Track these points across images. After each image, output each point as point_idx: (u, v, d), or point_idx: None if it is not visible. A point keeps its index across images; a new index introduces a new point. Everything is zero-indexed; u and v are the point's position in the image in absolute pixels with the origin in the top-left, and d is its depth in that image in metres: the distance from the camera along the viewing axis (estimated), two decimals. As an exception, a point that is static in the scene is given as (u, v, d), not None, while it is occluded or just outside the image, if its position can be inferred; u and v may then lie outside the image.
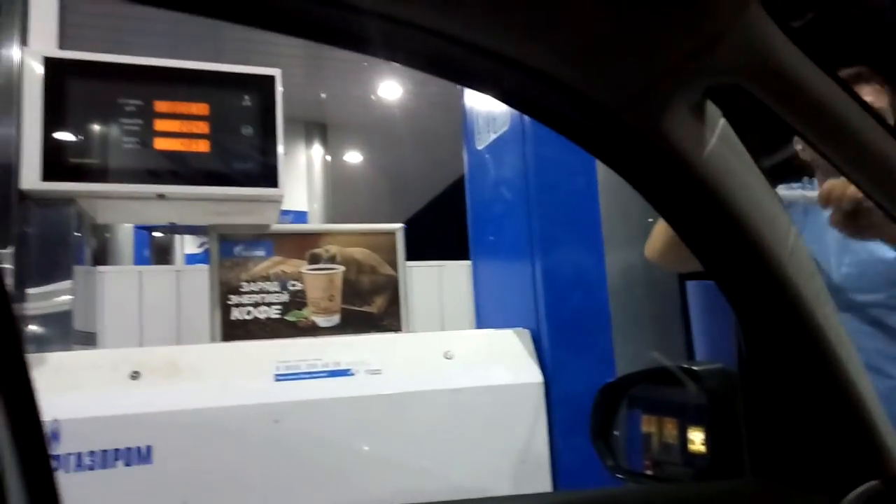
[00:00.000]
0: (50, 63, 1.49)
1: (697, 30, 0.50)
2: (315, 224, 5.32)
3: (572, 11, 0.49)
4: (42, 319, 1.52)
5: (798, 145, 1.53)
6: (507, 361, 1.75)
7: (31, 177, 1.47)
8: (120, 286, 3.05)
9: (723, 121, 0.60)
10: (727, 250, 0.62)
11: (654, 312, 1.95)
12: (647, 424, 1.01)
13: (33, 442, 0.49)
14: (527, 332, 1.82)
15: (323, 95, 5.64)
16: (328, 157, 6.62)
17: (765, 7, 0.51)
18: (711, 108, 0.59)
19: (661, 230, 1.60)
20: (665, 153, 0.57)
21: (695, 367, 0.85)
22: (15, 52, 1.50)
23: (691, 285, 2.06)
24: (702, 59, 0.52)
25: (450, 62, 0.56)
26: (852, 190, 1.07)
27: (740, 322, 0.68)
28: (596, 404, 1.00)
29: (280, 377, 1.58)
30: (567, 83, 0.57)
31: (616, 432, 1.02)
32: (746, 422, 0.71)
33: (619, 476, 0.92)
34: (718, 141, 0.59)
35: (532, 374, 1.74)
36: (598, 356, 1.76)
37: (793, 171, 1.53)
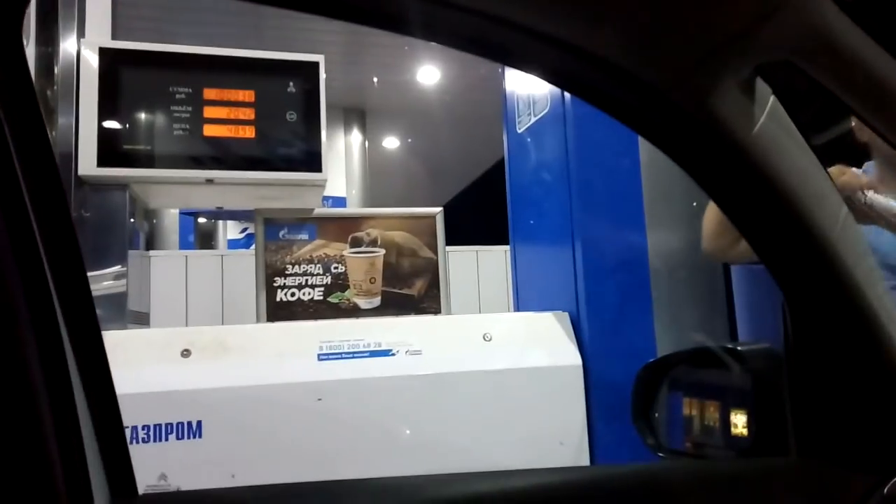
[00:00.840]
0: (104, 53, 1.55)
1: (749, 6, 0.50)
2: (356, 208, 5.38)
3: None
4: (99, 300, 1.60)
5: (854, 124, 1.48)
6: (545, 344, 1.76)
7: (87, 163, 1.53)
8: (167, 269, 3.16)
9: (773, 98, 0.59)
10: (776, 229, 0.62)
11: (696, 295, 1.92)
12: (689, 407, 1.00)
13: (109, 413, 0.52)
14: (566, 315, 1.82)
15: (375, 80, 5.68)
16: (366, 143, 6.67)
17: (818, -20, 0.50)
18: (761, 86, 0.58)
19: (710, 218, 1.57)
20: (713, 131, 0.57)
21: (739, 348, 0.85)
22: (73, 45, 1.56)
23: (735, 268, 2.02)
24: (753, 36, 0.52)
25: (493, 43, 0.56)
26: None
27: (787, 301, 0.67)
28: (637, 383, 0.99)
29: (323, 357, 1.62)
30: (614, 62, 0.57)
31: (656, 414, 1.02)
32: (792, 402, 0.70)
33: (661, 454, 0.92)
34: (768, 119, 0.58)
35: (571, 356, 1.74)
36: (638, 339, 1.75)
37: (848, 152, 1.48)
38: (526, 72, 0.65)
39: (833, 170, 1.13)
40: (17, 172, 0.45)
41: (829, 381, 0.67)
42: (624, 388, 1.02)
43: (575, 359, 1.73)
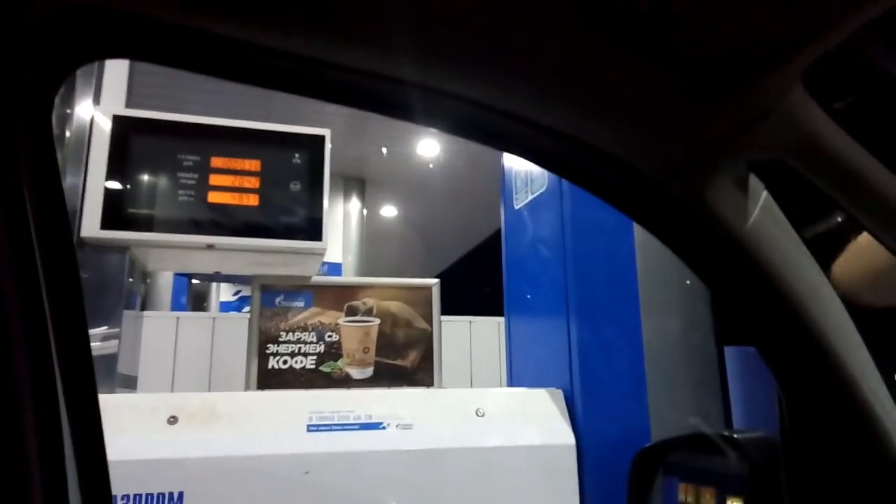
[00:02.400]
0: (117, 120, 1.59)
1: (742, 108, 0.53)
2: (353, 276, 5.39)
3: (619, 87, 0.53)
4: (89, 361, 1.58)
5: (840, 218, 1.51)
6: (539, 422, 1.73)
7: (90, 225, 1.55)
8: (158, 331, 3.13)
9: (766, 193, 0.62)
10: (770, 320, 0.63)
11: (691, 377, 1.91)
12: (685, 493, 0.99)
13: (99, 483, 0.51)
14: (560, 393, 1.80)
15: (384, 150, 5.82)
16: (364, 211, 6.76)
17: (808, 88, 0.53)
18: (754, 181, 0.61)
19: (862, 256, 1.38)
20: (708, 223, 0.59)
21: (735, 435, 0.85)
22: (88, 110, 1.61)
23: (729, 351, 2.02)
24: (746, 135, 0.55)
25: (492, 130, 0.59)
26: None
27: (783, 391, 0.68)
28: (632, 470, 0.98)
29: (312, 428, 1.58)
30: (612, 153, 0.60)
31: (652, 500, 1.00)
32: (790, 492, 0.70)
33: (658, 545, 0.90)
34: (761, 212, 0.60)
35: (564, 435, 1.71)
36: (632, 420, 1.73)
37: (837, 243, 1.50)
38: (525, 158, 0.67)
39: None
40: (31, 235, 0.46)
41: (825, 472, 0.67)
42: (618, 470, 1.00)
43: (569, 438, 1.70)
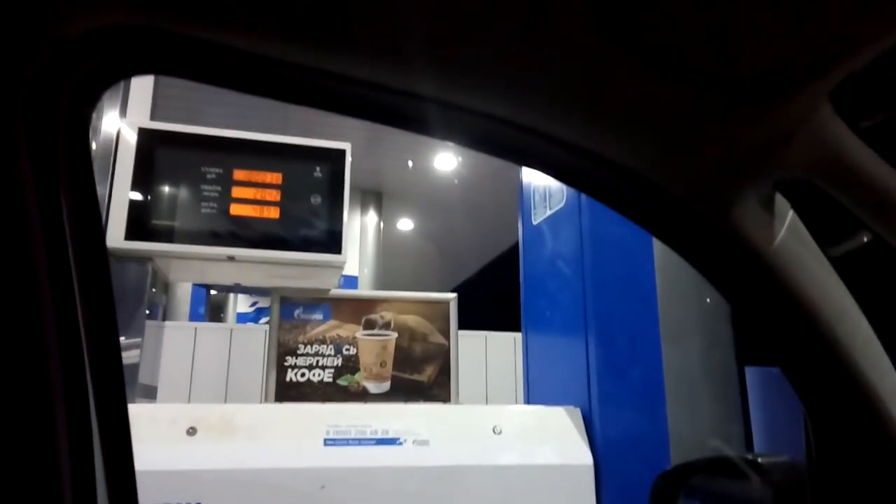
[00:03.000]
0: (143, 133, 1.63)
1: (769, 127, 0.53)
2: (372, 290, 5.41)
3: (643, 103, 0.53)
4: (111, 371, 1.59)
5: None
6: (556, 440, 1.72)
7: (115, 236, 1.57)
8: (176, 341, 3.16)
9: (792, 213, 0.61)
10: (796, 341, 0.62)
11: (711, 396, 1.89)
12: (707, 517, 0.97)
13: (127, 491, 0.52)
14: (577, 411, 1.79)
15: (410, 163, 5.86)
16: (381, 224, 6.79)
17: (835, 108, 0.53)
18: (780, 201, 0.60)
19: None
20: (733, 243, 0.59)
21: (759, 459, 0.83)
22: (114, 123, 1.64)
23: (750, 371, 1.99)
24: (772, 155, 0.54)
25: (512, 145, 0.59)
26: None
27: (809, 415, 0.67)
28: (653, 494, 0.97)
29: (329, 442, 1.59)
30: (634, 170, 0.59)
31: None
32: (817, 520, 0.68)
33: (679, 570, 0.88)
34: (787, 232, 0.60)
35: (582, 455, 1.69)
36: (651, 440, 1.71)
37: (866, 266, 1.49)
38: (544, 172, 0.67)
39: None
40: (68, 246, 0.47)
41: (852, 499, 0.65)
42: (637, 491, 0.99)
43: (586, 458, 1.68)
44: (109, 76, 0.46)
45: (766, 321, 0.63)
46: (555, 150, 0.58)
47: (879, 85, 0.59)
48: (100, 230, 0.51)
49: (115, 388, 0.52)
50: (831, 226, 0.69)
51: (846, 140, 0.54)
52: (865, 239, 1.48)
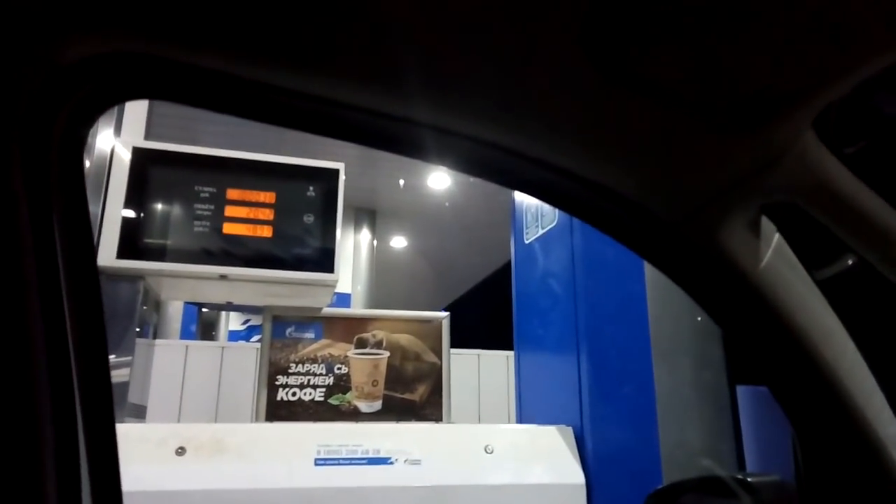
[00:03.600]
0: (137, 152, 1.63)
1: (755, 153, 0.54)
2: (364, 309, 5.40)
3: (632, 128, 0.54)
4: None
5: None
6: (548, 459, 1.71)
7: (106, 255, 1.57)
8: (167, 359, 3.14)
9: (778, 235, 0.62)
10: (784, 362, 0.63)
11: (702, 415, 1.89)
12: (698, 537, 0.97)
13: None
14: (569, 430, 1.78)
15: (401, 182, 5.88)
16: (375, 242, 6.80)
17: (819, 135, 0.54)
18: (767, 224, 0.61)
19: None
20: (720, 265, 0.59)
21: (749, 479, 0.83)
22: (108, 141, 1.65)
23: (742, 390, 2.00)
24: (758, 180, 0.55)
25: (502, 169, 0.60)
26: None
27: (798, 434, 0.67)
28: (645, 512, 0.96)
29: (320, 462, 1.57)
30: (623, 193, 0.60)
31: (665, 544, 0.98)
32: (807, 540, 0.68)
33: (671, 591, 0.88)
34: (774, 255, 0.61)
35: (574, 474, 1.69)
36: (643, 459, 1.70)
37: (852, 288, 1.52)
38: (534, 196, 0.68)
39: None
40: (59, 266, 0.48)
41: (843, 520, 0.65)
42: (629, 512, 0.99)
43: (578, 477, 1.68)
44: (104, 101, 0.46)
45: (754, 342, 0.64)
46: (544, 174, 0.59)
47: (861, 112, 0.60)
48: (91, 250, 0.51)
49: (104, 408, 0.52)
50: (818, 249, 0.70)
51: (829, 165, 0.55)
52: (850, 262, 1.50)
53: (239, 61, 0.46)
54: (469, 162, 0.60)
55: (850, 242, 0.60)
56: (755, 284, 0.60)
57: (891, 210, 0.57)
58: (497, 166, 0.60)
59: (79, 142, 0.48)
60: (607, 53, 0.46)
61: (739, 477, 0.84)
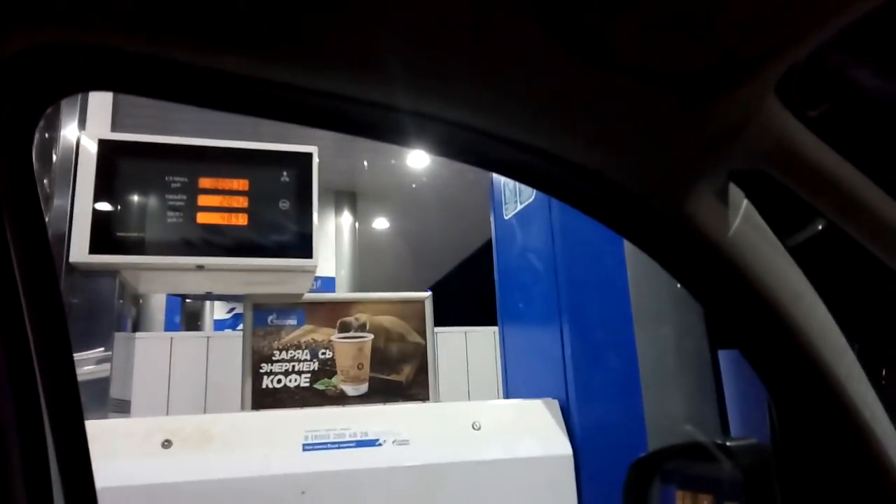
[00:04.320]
0: (103, 144, 1.59)
1: (718, 121, 0.54)
2: (345, 293, 5.39)
3: (595, 102, 0.53)
4: (81, 386, 1.56)
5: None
6: (535, 433, 1.73)
7: (79, 250, 1.54)
8: (151, 352, 3.11)
9: (746, 202, 0.63)
10: (756, 327, 0.63)
11: (686, 382, 1.92)
12: (682, 500, 0.99)
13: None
14: (555, 403, 1.80)
15: (365, 163, 5.84)
16: (356, 224, 6.77)
17: (782, 99, 0.54)
18: (735, 191, 0.61)
19: None
20: (691, 235, 0.60)
21: (728, 443, 0.85)
22: (74, 134, 1.61)
23: (724, 354, 2.03)
24: (723, 147, 0.55)
25: (471, 149, 0.59)
26: None
27: (772, 397, 0.68)
28: (628, 479, 0.98)
29: (308, 447, 1.58)
30: (593, 169, 0.60)
31: (650, 508, 1.00)
32: (782, 497, 0.70)
33: (656, 553, 0.90)
34: (742, 222, 0.61)
35: (561, 446, 1.71)
36: (628, 428, 1.73)
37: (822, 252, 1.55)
38: (504, 175, 0.68)
39: None
40: (13, 266, 0.47)
41: (815, 477, 0.67)
42: (616, 479, 1.00)
43: (566, 449, 1.70)
44: (48, 95, 0.45)
45: (726, 309, 0.64)
46: (511, 152, 0.58)
47: (822, 75, 0.60)
48: (47, 247, 0.50)
49: (71, 405, 0.51)
50: (788, 214, 0.71)
51: (794, 130, 0.55)
52: (820, 226, 1.53)
53: (192, 49, 0.45)
54: (438, 143, 0.59)
55: (816, 205, 0.60)
56: (725, 251, 0.60)
57: (855, 171, 0.57)
58: (464, 146, 0.59)
59: (25, 138, 0.46)
60: (566, 27, 0.45)
61: (718, 442, 0.86)
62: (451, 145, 0.58)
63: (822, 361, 0.63)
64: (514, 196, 2.14)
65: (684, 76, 0.50)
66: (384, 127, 0.55)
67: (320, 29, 0.44)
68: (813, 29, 0.47)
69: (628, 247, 1.83)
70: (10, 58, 0.40)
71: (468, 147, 0.58)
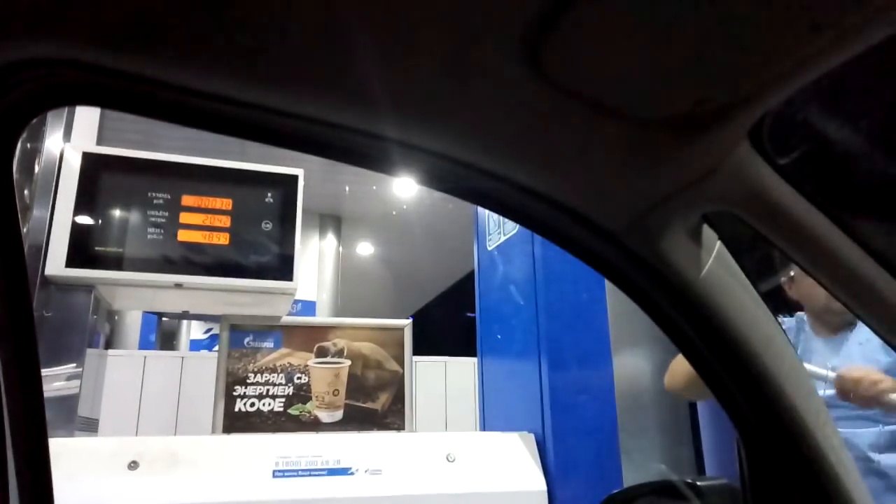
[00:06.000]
0: (87, 157, 1.59)
1: (692, 163, 0.55)
2: (325, 317, 5.34)
3: (574, 141, 0.54)
4: (49, 402, 1.53)
5: (784, 282, 1.61)
6: (510, 467, 1.71)
7: (55, 263, 1.52)
8: (124, 371, 3.05)
9: (719, 244, 0.64)
10: (725, 368, 0.64)
11: (662, 421, 1.92)
12: (654, 540, 0.98)
13: None
14: (531, 437, 1.79)
15: (346, 188, 5.85)
16: (340, 249, 6.75)
17: (754, 145, 0.56)
18: (708, 233, 0.63)
19: (681, 364, 1.62)
20: (663, 274, 0.60)
21: (698, 483, 0.85)
22: (58, 145, 1.60)
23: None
24: (696, 190, 0.57)
25: (452, 181, 0.60)
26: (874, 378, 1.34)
27: (741, 438, 0.69)
28: (600, 517, 0.97)
29: (278, 473, 1.55)
30: (567, 204, 0.61)
31: (621, 548, 0.99)
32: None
33: None
34: (715, 263, 0.62)
35: (535, 481, 1.69)
36: (603, 465, 1.72)
37: (783, 304, 1.61)
38: (484, 207, 0.69)
39: (864, 375, 1.37)
40: None
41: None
42: (588, 517, 0.99)
43: (540, 484, 1.68)
44: (34, 108, 0.45)
45: (696, 348, 0.65)
46: (491, 184, 0.59)
47: (794, 123, 0.62)
48: (21, 261, 0.49)
49: (34, 423, 0.50)
50: (758, 256, 0.72)
51: (765, 175, 0.57)
52: (785, 284, 1.57)
53: (177, 69, 0.45)
54: (421, 173, 0.60)
55: (785, 250, 0.62)
56: (697, 291, 0.61)
57: (823, 218, 0.59)
58: (445, 177, 0.60)
59: (7, 151, 0.46)
60: (548, 67, 0.46)
61: (689, 481, 0.86)
62: (432, 175, 0.59)
63: (791, 405, 0.63)
64: (498, 227, 2.16)
65: (661, 120, 0.51)
66: (368, 154, 0.56)
67: (307, 55, 0.45)
68: (785, 79, 0.48)
69: (609, 284, 1.85)
70: None
71: (449, 177, 0.59)
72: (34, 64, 0.41)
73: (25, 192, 1.59)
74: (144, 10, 0.40)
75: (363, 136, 0.53)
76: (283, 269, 1.69)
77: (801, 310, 1.64)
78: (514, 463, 1.73)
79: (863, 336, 1.51)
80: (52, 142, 1.62)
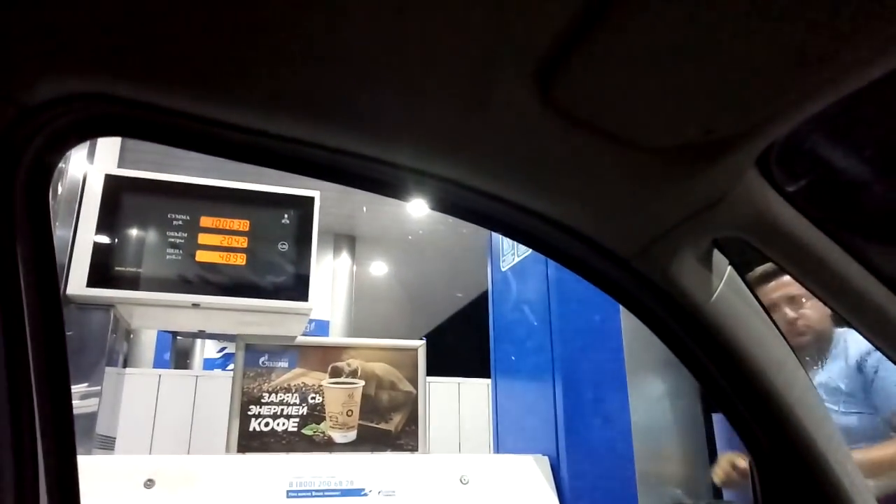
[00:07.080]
0: (109, 180, 1.63)
1: (702, 191, 0.56)
2: (339, 337, 5.36)
3: (587, 169, 0.56)
4: (67, 421, 1.55)
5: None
6: (524, 489, 1.71)
7: (76, 283, 1.55)
8: (139, 389, 3.07)
9: (730, 268, 0.65)
10: (737, 392, 0.64)
11: (678, 443, 1.90)
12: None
13: None
14: (545, 460, 1.78)
15: (364, 209, 5.89)
16: (354, 268, 6.77)
17: (762, 173, 0.57)
18: (718, 257, 0.64)
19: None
20: (674, 297, 0.61)
21: (713, 507, 0.85)
22: (81, 167, 1.64)
23: (717, 417, 2.01)
24: (706, 216, 0.58)
25: (468, 207, 0.62)
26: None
27: (754, 461, 0.69)
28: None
29: (292, 493, 1.55)
30: (580, 230, 0.62)
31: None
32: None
33: None
34: (725, 287, 0.63)
35: None
36: (618, 489, 1.71)
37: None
38: (499, 233, 0.70)
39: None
40: (21, 297, 0.48)
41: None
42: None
43: (553, 507, 1.67)
44: (71, 138, 0.47)
45: (708, 371, 0.66)
46: (505, 210, 0.61)
47: (801, 152, 0.63)
48: (55, 282, 0.51)
49: (65, 438, 0.52)
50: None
51: (772, 202, 0.58)
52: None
53: (204, 102, 0.48)
54: (435, 199, 0.62)
55: (794, 274, 0.63)
56: (708, 316, 0.62)
57: (830, 243, 0.59)
58: (461, 204, 0.62)
59: (45, 178, 0.49)
60: (560, 99, 0.48)
61: (703, 504, 0.86)
62: (447, 202, 0.61)
63: (803, 428, 0.63)
64: (512, 248, 2.17)
65: (671, 149, 0.53)
66: (387, 182, 0.58)
67: (327, 89, 0.47)
68: (792, 110, 0.50)
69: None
70: (38, 104, 0.43)
71: (464, 204, 0.60)
72: (73, 98, 0.44)
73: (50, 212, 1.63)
74: (171, 48, 0.42)
75: (381, 164, 0.55)
76: (298, 289, 1.71)
77: None
78: (529, 486, 1.72)
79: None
80: (76, 164, 1.66)
